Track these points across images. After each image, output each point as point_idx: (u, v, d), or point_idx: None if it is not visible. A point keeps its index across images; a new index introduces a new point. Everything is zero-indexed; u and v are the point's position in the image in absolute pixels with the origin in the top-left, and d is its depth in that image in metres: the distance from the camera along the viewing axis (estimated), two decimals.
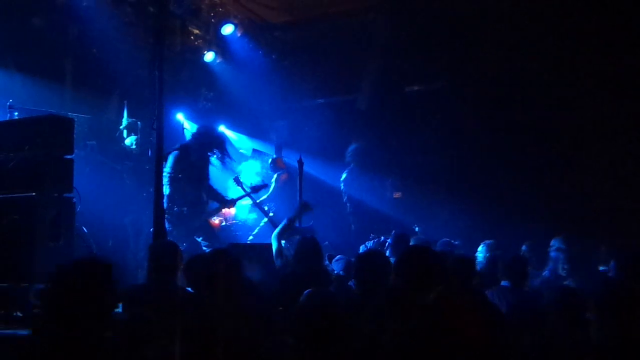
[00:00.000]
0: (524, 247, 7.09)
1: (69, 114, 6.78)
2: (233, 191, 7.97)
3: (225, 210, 8.54)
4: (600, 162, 8.19)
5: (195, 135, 7.09)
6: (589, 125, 8.25)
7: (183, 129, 8.93)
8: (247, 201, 7.76)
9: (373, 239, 6.76)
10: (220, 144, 7.08)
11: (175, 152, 6.78)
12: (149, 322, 3.49)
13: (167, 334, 3.39)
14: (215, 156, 7.01)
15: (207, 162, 7.09)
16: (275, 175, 8.98)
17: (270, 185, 8.55)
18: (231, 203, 7.37)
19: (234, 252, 4.66)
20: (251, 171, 9.45)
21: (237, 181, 7.56)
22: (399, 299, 3.20)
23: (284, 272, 4.96)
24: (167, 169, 6.57)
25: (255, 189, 7.50)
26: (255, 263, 5.10)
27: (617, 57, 7.96)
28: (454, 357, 2.50)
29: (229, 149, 7.35)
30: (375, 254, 4.74)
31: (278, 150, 9.72)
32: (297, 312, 2.73)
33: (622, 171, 8.00)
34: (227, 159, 7.14)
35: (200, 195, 6.96)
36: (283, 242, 5.67)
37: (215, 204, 7.30)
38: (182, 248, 6.62)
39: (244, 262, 4.23)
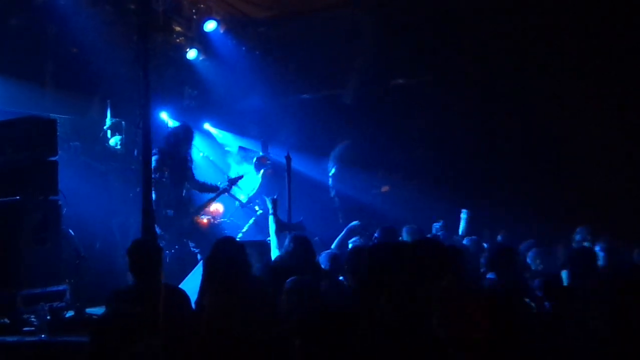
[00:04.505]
0: (499, 238, 7.12)
1: (50, 115, 6.64)
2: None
3: (212, 210, 8.48)
4: (590, 155, 8.26)
5: (167, 138, 7.03)
6: (576, 118, 8.31)
7: (168, 128, 8.83)
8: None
9: (359, 231, 6.72)
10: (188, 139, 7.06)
11: (155, 156, 6.71)
12: (131, 322, 3.45)
13: (150, 334, 3.36)
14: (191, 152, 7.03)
15: (186, 161, 7.04)
16: (261, 172, 8.94)
17: (256, 182, 8.56)
18: (224, 190, 7.30)
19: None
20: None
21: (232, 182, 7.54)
22: (403, 291, 3.17)
23: (277, 266, 4.92)
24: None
25: (233, 181, 7.45)
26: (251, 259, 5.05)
27: (604, 53, 8.03)
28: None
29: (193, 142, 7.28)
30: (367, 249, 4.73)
31: (264, 146, 9.64)
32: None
33: (610, 161, 8.07)
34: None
35: (183, 194, 6.91)
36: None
37: (209, 196, 7.31)
38: (172, 251, 6.62)
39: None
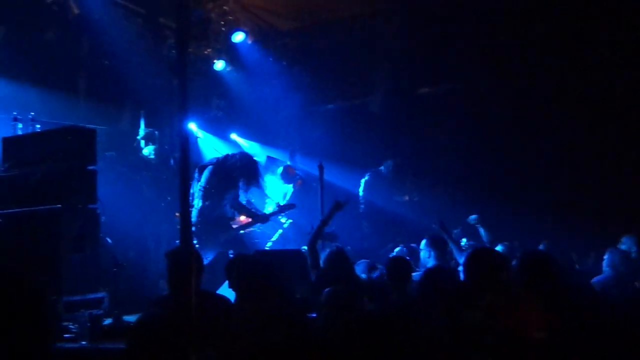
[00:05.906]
0: (541, 247, 6.97)
1: (86, 125, 6.75)
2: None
3: (242, 219, 8.50)
4: (614, 165, 8.17)
5: (229, 158, 6.93)
6: (605, 121, 8.22)
7: (196, 138, 8.92)
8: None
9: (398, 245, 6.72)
10: (248, 174, 6.90)
11: (210, 167, 6.75)
12: (169, 329, 3.45)
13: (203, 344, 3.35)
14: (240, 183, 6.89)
15: (236, 182, 6.99)
16: (291, 184, 8.96)
17: (288, 196, 8.58)
18: (264, 218, 7.19)
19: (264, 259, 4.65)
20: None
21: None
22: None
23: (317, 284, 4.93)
24: (202, 182, 6.57)
25: (283, 209, 7.42)
26: (285, 269, 5.06)
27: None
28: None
29: (259, 178, 7.06)
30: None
31: (292, 156, 9.69)
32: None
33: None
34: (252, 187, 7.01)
35: (227, 210, 6.89)
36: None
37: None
38: (207, 261, 6.64)
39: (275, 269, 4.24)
